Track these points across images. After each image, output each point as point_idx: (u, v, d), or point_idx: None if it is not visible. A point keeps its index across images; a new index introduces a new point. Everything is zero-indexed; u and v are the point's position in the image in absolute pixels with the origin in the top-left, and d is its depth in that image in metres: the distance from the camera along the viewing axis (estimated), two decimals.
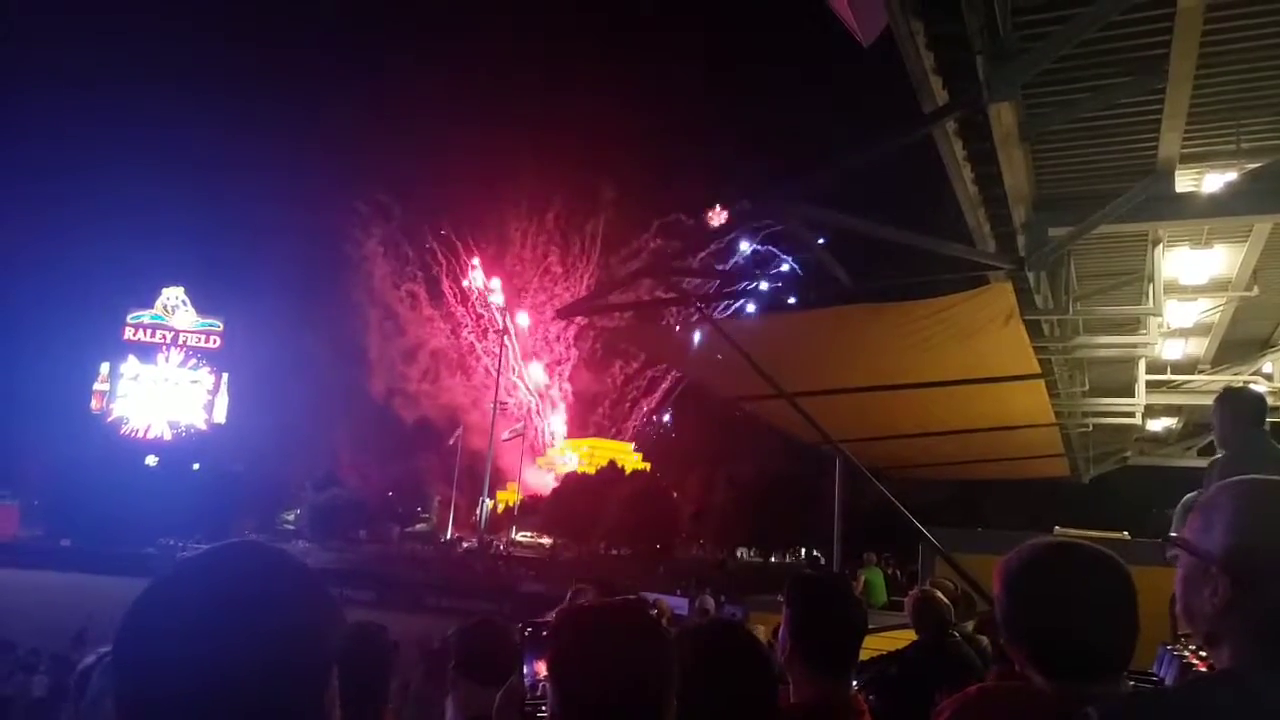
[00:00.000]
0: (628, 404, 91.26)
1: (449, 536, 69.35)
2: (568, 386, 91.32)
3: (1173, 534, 1.37)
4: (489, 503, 69.15)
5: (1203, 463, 9.30)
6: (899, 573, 21.39)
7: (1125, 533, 9.81)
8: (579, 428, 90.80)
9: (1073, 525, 9.78)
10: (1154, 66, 5.94)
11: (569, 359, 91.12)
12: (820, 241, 6.84)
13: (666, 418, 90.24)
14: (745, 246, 72.06)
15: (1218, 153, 7.23)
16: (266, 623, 0.90)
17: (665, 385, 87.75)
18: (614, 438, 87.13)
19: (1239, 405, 3.91)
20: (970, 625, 5.12)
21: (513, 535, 69.15)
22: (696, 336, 8.15)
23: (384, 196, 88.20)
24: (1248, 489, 1.28)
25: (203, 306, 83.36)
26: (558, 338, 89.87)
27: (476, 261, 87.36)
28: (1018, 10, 5.67)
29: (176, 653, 0.87)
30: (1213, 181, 7.33)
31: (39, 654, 17.44)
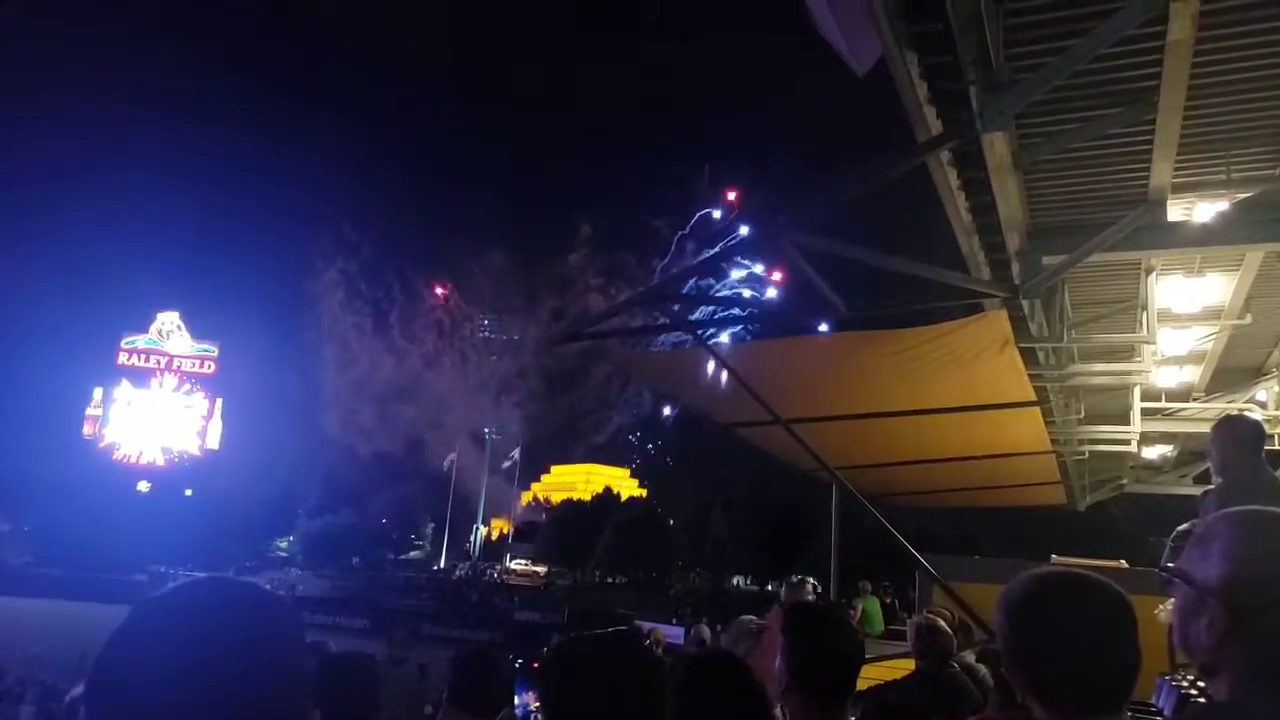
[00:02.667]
0: (576, 434, 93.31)
1: (442, 564, 68.78)
2: (517, 413, 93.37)
3: (1167, 564, 1.37)
4: (483, 530, 68.72)
5: (1198, 490, 9.28)
6: (896, 601, 21.25)
7: (1122, 561, 9.76)
8: (533, 458, 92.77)
9: (1069, 553, 9.71)
10: (1145, 97, 6.02)
11: (520, 390, 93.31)
12: (814, 269, 6.87)
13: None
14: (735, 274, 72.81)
15: (1209, 182, 7.29)
16: (240, 659, 0.89)
17: (612, 427, 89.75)
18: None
19: (1237, 433, 3.88)
20: (971, 655, 5.05)
21: (506, 563, 68.62)
22: (692, 362, 8.13)
23: (371, 225, 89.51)
24: (1246, 519, 1.27)
25: (198, 331, 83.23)
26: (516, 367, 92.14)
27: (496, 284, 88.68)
28: (1010, 42, 5.75)
29: (149, 691, 0.86)
30: (1204, 211, 7.38)
31: (26, 683, 17.18)
